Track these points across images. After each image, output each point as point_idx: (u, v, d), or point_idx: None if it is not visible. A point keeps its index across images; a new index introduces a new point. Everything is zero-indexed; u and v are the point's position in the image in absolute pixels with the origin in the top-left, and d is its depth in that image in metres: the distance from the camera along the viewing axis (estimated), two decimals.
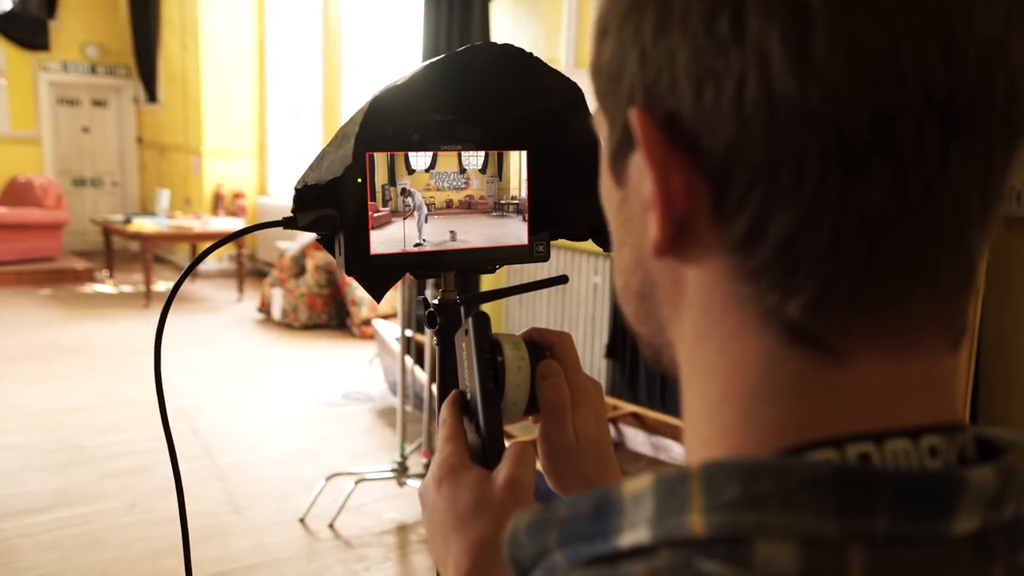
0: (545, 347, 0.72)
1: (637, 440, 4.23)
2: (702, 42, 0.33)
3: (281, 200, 9.18)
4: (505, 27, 5.17)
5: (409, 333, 3.84)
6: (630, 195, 0.39)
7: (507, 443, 0.66)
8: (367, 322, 6.71)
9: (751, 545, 0.32)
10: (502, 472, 0.63)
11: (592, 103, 0.75)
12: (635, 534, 0.34)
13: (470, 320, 0.69)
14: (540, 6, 5.04)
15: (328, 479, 3.79)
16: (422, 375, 4.32)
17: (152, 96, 10.69)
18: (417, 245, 0.75)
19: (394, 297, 6.17)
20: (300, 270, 7.40)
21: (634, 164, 0.38)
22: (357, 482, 3.76)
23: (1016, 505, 0.35)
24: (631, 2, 0.36)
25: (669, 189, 0.35)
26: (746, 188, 0.34)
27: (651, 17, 0.35)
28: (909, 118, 0.32)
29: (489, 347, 0.68)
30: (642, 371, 4.30)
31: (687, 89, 0.34)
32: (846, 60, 0.31)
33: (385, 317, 6.35)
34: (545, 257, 0.81)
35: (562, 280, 0.77)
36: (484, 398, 0.66)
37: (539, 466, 0.69)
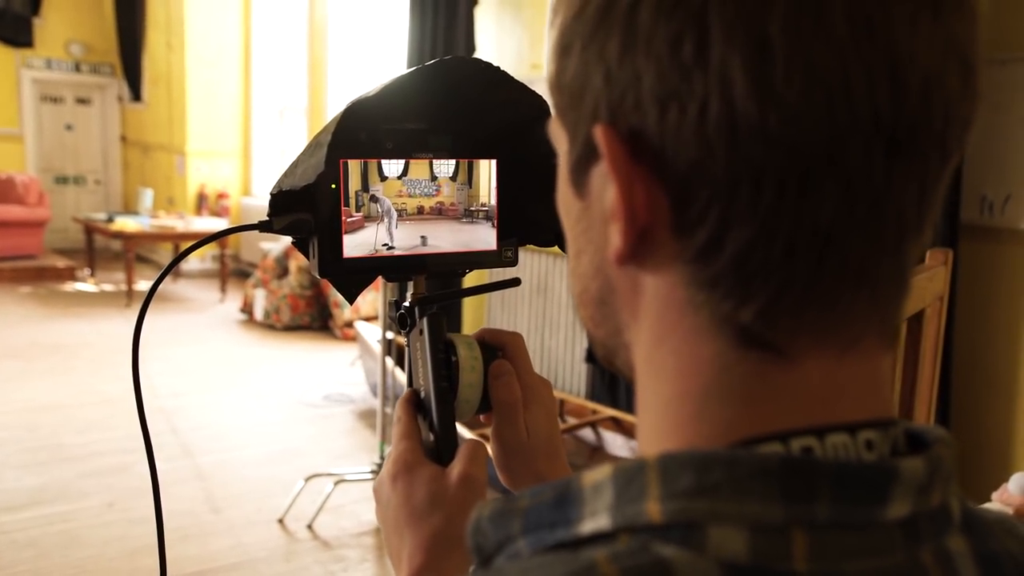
0: (497, 347, 0.74)
1: (616, 444, 4.26)
2: (667, 65, 0.35)
3: (265, 201, 9.13)
4: (490, 32, 5.19)
5: (390, 336, 3.86)
6: (591, 206, 0.41)
7: (461, 440, 0.69)
8: (349, 324, 6.72)
9: (704, 530, 0.35)
10: (456, 468, 0.65)
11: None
12: (595, 521, 0.37)
13: (424, 320, 0.71)
14: (524, 11, 5.07)
15: (308, 480, 3.81)
16: (403, 377, 4.33)
17: (136, 95, 10.65)
18: (388, 249, 0.77)
19: (376, 300, 6.18)
20: (283, 271, 7.39)
21: (595, 176, 0.40)
22: (336, 483, 3.77)
23: (942, 493, 0.38)
24: (596, 22, 0.37)
25: (632, 201, 0.37)
26: (706, 203, 0.36)
27: (616, 38, 0.36)
28: (858, 140, 0.34)
29: (443, 347, 0.70)
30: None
31: (652, 109, 0.36)
32: (803, 87, 0.33)
33: (367, 319, 6.36)
34: (513, 262, 0.83)
35: (515, 283, 0.80)
36: (438, 397, 0.69)
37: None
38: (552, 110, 0.43)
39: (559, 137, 0.43)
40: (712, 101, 0.34)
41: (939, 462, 0.38)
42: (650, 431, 0.41)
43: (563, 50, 0.40)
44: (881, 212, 0.36)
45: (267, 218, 0.74)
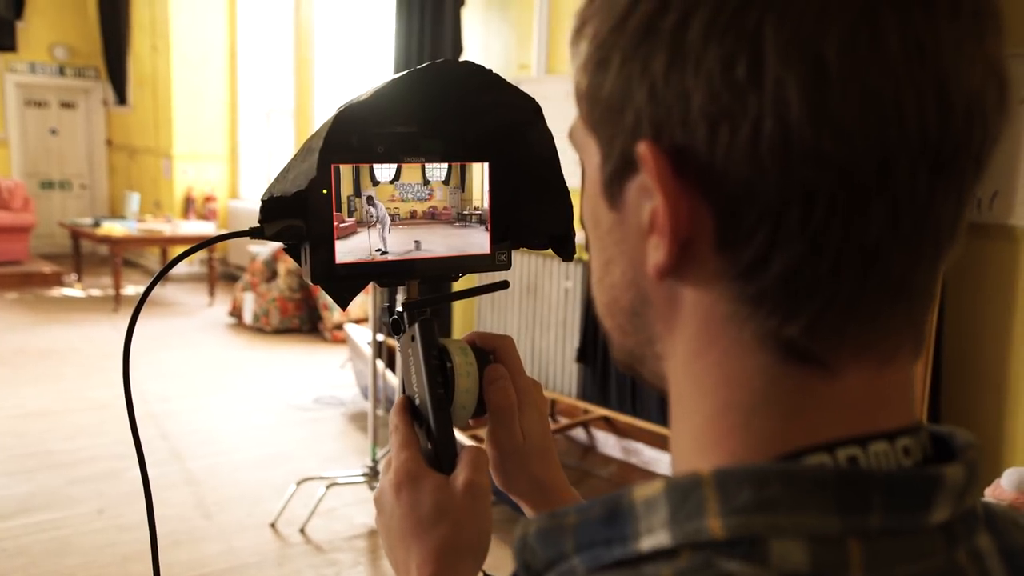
0: (489, 351, 0.74)
1: (608, 444, 4.26)
2: (718, 84, 0.35)
3: (253, 204, 9.13)
4: (477, 33, 5.18)
5: (381, 338, 3.85)
6: (626, 218, 0.41)
7: (459, 446, 0.68)
8: (339, 326, 6.70)
9: (766, 544, 0.35)
10: (460, 477, 0.65)
11: (551, 121, 0.77)
12: (654, 538, 0.37)
13: (416, 327, 0.71)
14: (511, 12, 5.07)
15: (299, 483, 3.79)
16: (394, 379, 4.32)
17: (122, 98, 10.60)
18: (381, 254, 0.77)
19: (366, 302, 6.17)
20: (272, 274, 7.37)
21: (632, 189, 0.40)
22: (328, 486, 3.76)
23: (973, 494, 0.39)
24: (639, 37, 0.37)
25: (677, 217, 0.37)
26: (755, 221, 0.36)
27: (662, 54, 0.36)
28: (906, 160, 0.35)
29: (437, 353, 0.70)
30: (613, 375, 4.33)
31: (701, 127, 0.36)
32: (859, 109, 0.34)
33: (357, 322, 6.34)
34: (507, 266, 0.83)
35: (503, 286, 0.79)
36: (435, 404, 0.68)
37: None
38: (580, 121, 0.43)
39: (587, 148, 0.43)
40: (766, 121, 0.35)
41: (975, 467, 0.39)
42: (691, 442, 0.41)
43: (599, 64, 0.39)
44: (922, 227, 0.37)
45: (258, 224, 0.74)
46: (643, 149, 0.37)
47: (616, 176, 0.40)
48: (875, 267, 0.36)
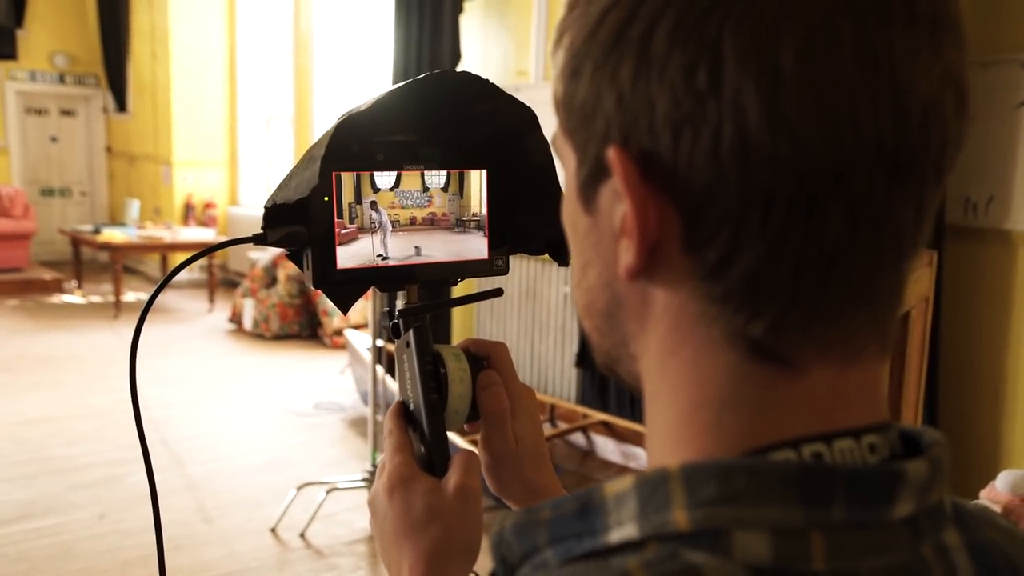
0: (483, 357, 0.75)
1: (607, 448, 4.27)
2: (680, 91, 0.36)
3: (252, 210, 9.15)
4: (475, 39, 5.21)
5: (380, 343, 3.86)
6: (600, 223, 0.42)
7: (452, 450, 0.70)
8: (339, 332, 6.71)
9: (730, 536, 0.36)
10: (452, 480, 0.67)
11: (547, 128, 0.79)
12: (623, 530, 0.38)
13: (411, 333, 0.72)
14: (510, 19, 5.09)
15: (299, 489, 3.80)
16: (393, 385, 4.33)
17: (121, 105, 10.62)
18: (383, 259, 0.79)
19: (366, 307, 6.18)
20: (272, 280, 7.38)
21: (604, 194, 0.41)
22: (328, 491, 3.77)
23: (939, 491, 0.41)
24: (609, 46, 0.38)
25: (645, 220, 0.38)
26: (717, 224, 0.37)
27: (629, 62, 0.38)
28: (862, 165, 0.36)
29: (431, 359, 0.72)
30: (612, 380, 4.34)
31: (665, 133, 0.37)
32: (814, 115, 0.35)
33: (357, 327, 6.36)
34: (504, 271, 0.84)
35: (497, 293, 0.81)
36: (428, 409, 0.70)
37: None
38: (559, 128, 0.44)
39: (565, 154, 0.44)
40: (725, 127, 0.36)
41: (939, 462, 0.40)
42: (665, 439, 0.42)
43: (573, 72, 0.41)
44: (882, 231, 0.38)
45: (261, 231, 0.75)
46: (612, 155, 0.39)
47: (590, 181, 0.42)
48: (835, 269, 0.38)
